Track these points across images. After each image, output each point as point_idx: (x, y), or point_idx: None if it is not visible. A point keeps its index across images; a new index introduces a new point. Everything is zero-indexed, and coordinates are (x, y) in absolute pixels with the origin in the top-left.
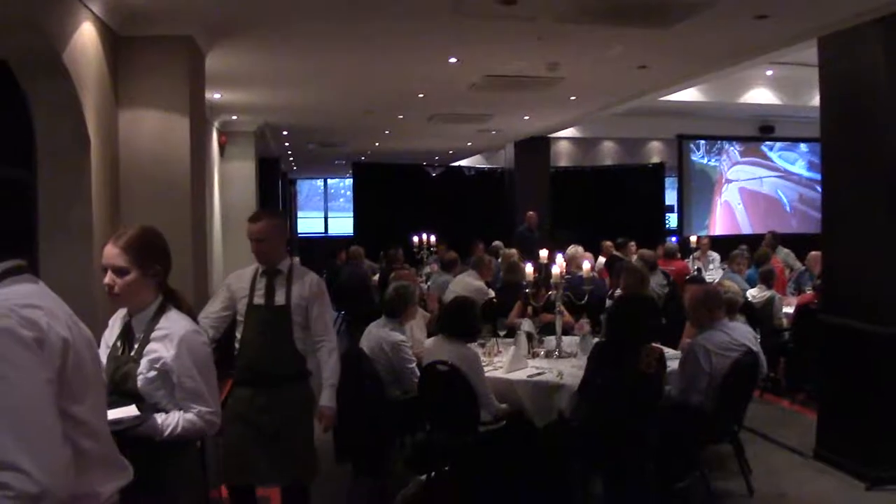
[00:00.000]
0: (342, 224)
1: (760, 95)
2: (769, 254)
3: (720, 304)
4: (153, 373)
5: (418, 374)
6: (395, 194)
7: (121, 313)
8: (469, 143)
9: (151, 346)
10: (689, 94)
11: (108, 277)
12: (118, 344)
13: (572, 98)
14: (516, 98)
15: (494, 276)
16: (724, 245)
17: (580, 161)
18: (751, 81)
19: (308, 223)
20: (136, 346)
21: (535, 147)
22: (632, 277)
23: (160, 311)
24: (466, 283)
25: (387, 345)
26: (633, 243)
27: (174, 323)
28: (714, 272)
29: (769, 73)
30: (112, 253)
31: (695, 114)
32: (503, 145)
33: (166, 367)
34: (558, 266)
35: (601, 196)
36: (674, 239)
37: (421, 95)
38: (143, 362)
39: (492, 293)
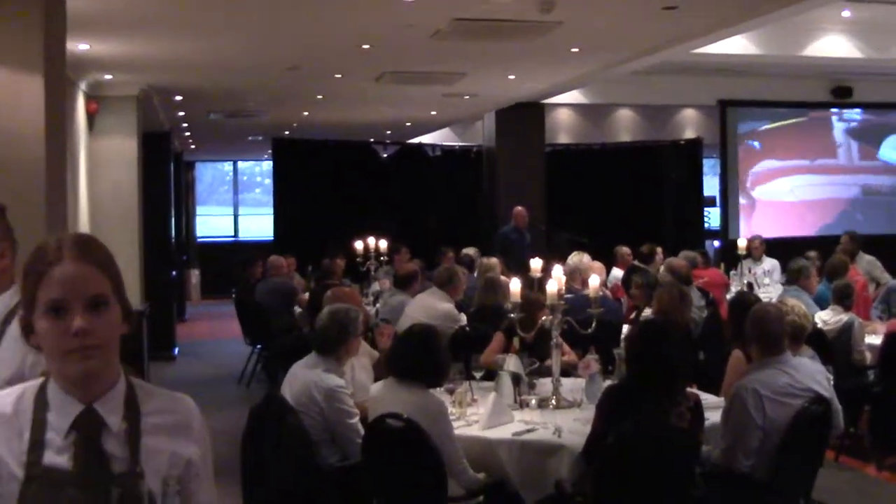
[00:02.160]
0: (258, 224)
1: (834, 46)
2: (846, 263)
3: (779, 331)
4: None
5: (362, 431)
6: (332, 183)
7: None
8: (433, 113)
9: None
10: (735, 45)
11: None
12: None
13: (574, 50)
14: (498, 50)
15: (468, 295)
16: (783, 250)
17: (587, 136)
18: (820, 26)
19: (211, 223)
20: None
21: (525, 117)
22: (667, 296)
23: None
24: (429, 306)
25: (319, 391)
26: (659, 250)
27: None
28: (770, 288)
29: (846, 14)
30: None
31: (743, 71)
32: (480, 115)
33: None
34: (556, 282)
35: (615, 185)
36: (716, 243)
37: (366, 47)
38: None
39: (464, 319)
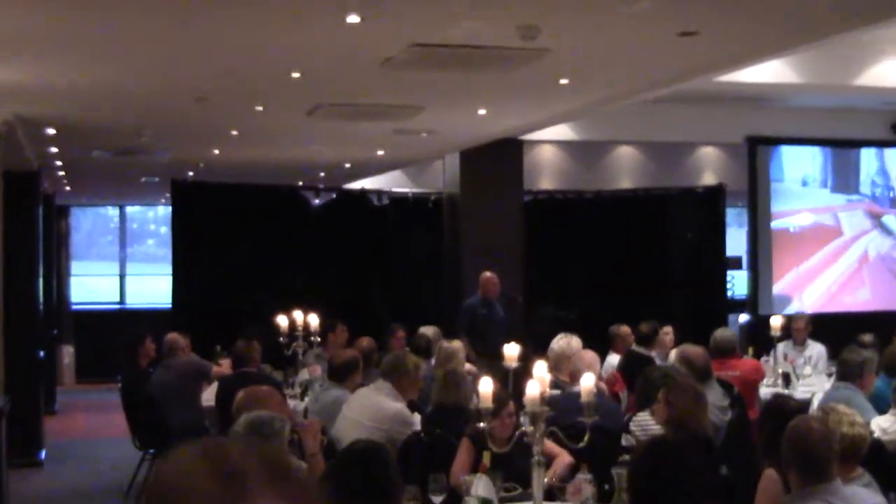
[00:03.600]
0: (152, 287)
1: None
2: None
3: (826, 455)
4: None
5: None
6: (248, 238)
7: None
8: (380, 153)
9: None
10: (768, 71)
11: None
12: None
13: (563, 81)
14: (466, 81)
15: (425, 391)
16: (828, 329)
17: (577, 181)
18: (880, 48)
19: (91, 285)
20: None
21: (497, 157)
22: (683, 399)
23: None
24: (373, 406)
25: None
26: (668, 329)
27: None
28: (813, 381)
29: None
30: None
31: (778, 101)
32: (440, 155)
33: None
34: (537, 379)
35: (613, 244)
36: (742, 318)
37: (296, 75)
38: None
39: (417, 424)
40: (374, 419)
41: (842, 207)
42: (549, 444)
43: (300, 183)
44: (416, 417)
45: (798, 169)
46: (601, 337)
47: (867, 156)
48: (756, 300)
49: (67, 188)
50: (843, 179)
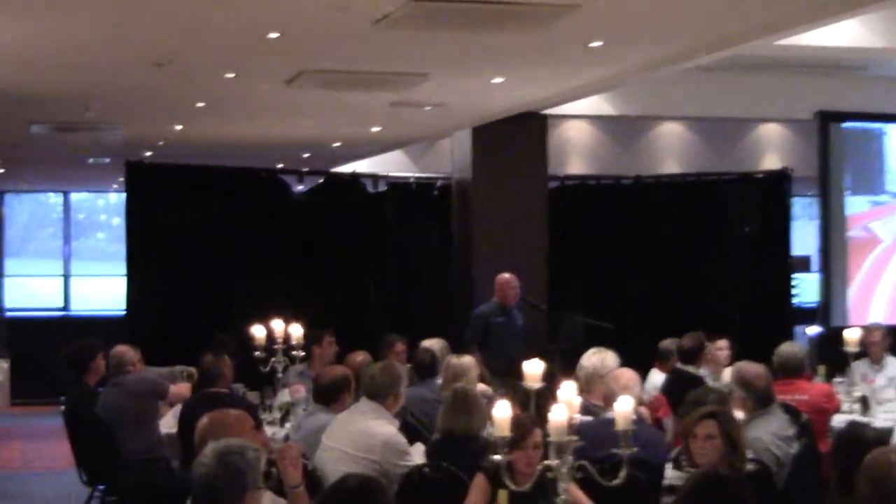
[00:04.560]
0: (102, 290)
1: None
2: None
3: None
4: None
5: None
6: (217, 230)
7: None
8: (375, 129)
9: None
10: (845, 33)
11: None
12: None
13: (595, 44)
14: (478, 44)
15: (429, 415)
16: None
17: (613, 165)
18: None
19: (29, 288)
20: None
21: (517, 136)
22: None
23: None
24: (359, 432)
25: None
26: (722, 344)
27: None
28: (894, 407)
29: None
30: None
31: (855, 69)
32: (448, 132)
33: None
34: (565, 407)
35: (655, 240)
36: (811, 330)
37: (274, 36)
38: None
39: (418, 453)
40: (362, 448)
41: None
42: (573, 490)
43: (280, 165)
44: (419, 448)
45: None
46: (642, 351)
47: None
48: (828, 309)
49: (0, 171)
50: None
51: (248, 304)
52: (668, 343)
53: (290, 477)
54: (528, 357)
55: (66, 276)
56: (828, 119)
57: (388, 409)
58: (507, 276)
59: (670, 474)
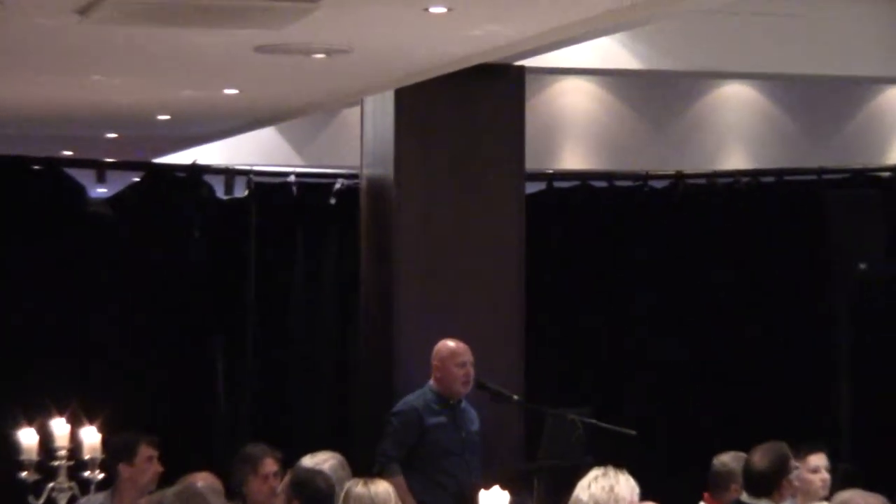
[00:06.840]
0: None
1: None
2: None
3: None
4: None
5: None
6: None
7: None
8: (230, 91)
9: None
10: None
11: None
12: None
13: None
14: None
15: None
16: None
17: (635, 154)
18: None
19: None
20: None
21: (474, 103)
22: None
23: None
24: None
25: None
26: (817, 461)
27: None
28: None
29: None
30: None
31: None
32: (355, 98)
33: None
34: None
35: (709, 279)
36: None
37: None
38: None
39: None
40: None
41: None
42: None
43: (67, 153)
44: None
45: None
46: (682, 472)
47: None
48: None
49: None
50: None
51: (9, 388)
52: (727, 460)
53: None
54: (487, 484)
55: None
56: None
57: None
58: (451, 344)
59: None
